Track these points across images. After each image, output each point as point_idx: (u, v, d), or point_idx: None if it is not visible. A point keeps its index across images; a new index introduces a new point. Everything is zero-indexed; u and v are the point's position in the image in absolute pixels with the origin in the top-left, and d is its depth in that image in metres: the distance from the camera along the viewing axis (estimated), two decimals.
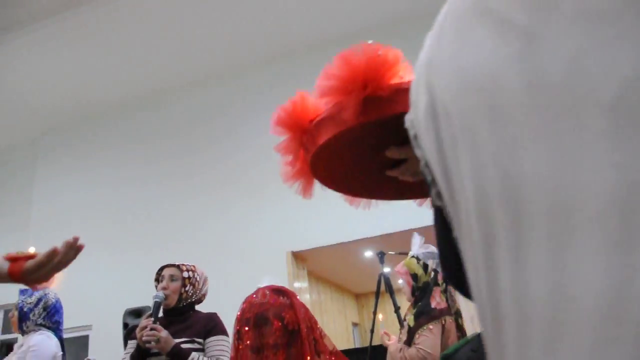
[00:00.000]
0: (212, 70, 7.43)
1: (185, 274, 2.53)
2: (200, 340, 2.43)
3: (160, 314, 2.55)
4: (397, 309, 5.15)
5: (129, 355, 2.43)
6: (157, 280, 2.57)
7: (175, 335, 2.39)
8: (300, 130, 1.11)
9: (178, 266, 2.56)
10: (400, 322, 5.08)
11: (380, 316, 2.76)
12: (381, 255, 5.24)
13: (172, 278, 2.51)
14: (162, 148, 7.44)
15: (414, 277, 2.66)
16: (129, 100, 7.89)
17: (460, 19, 0.54)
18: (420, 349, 2.37)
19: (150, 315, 2.38)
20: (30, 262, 1.12)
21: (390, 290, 5.16)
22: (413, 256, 2.74)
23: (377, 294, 5.27)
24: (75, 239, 1.17)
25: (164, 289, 2.48)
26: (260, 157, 6.94)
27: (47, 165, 8.38)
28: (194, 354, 2.32)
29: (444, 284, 2.55)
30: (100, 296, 6.66)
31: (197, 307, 2.65)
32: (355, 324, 10.80)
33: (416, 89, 0.60)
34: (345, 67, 0.99)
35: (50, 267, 1.13)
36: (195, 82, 7.54)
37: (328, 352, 1.54)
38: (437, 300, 2.54)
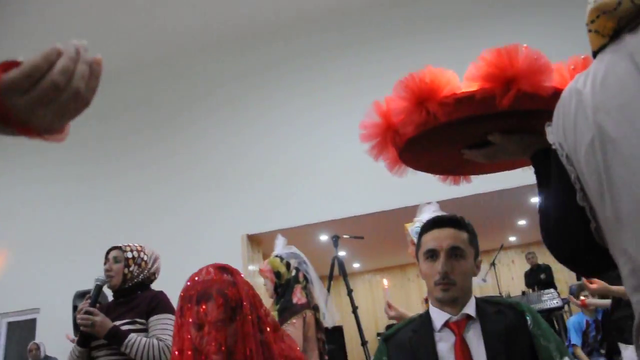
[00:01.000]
0: (160, 55, 7.29)
1: (129, 254, 2.52)
2: (143, 320, 2.42)
3: (111, 298, 2.56)
4: (349, 292, 5.22)
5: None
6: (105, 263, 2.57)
7: (119, 317, 2.39)
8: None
9: (120, 247, 2.54)
10: (353, 304, 5.16)
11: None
12: (335, 239, 5.29)
13: (115, 260, 2.50)
14: (120, 129, 7.30)
15: (277, 274, 2.85)
16: None
17: (613, 75, 0.83)
18: None
19: (90, 298, 2.37)
20: (12, 72, 0.60)
21: (344, 273, 5.22)
22: (277, 255, 2.91)
23: (330, 276, 5.32)
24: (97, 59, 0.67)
25: (107, 271, 2.48)
26: (217, 141, 6.90)
27: None
28: (131, 335, 2.32)
29: (304, 281, 2.74)
30: (49, 279, 6.52)
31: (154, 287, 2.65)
32: None
33: (573, 121, 0.87)
34: (506, 60, 1.19)
35: (49, 86, 0.60)
36: (148, 65, 7.39)
37: (272, 330, 1.55)
38: (297, 296, 2.78)
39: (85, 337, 2.35)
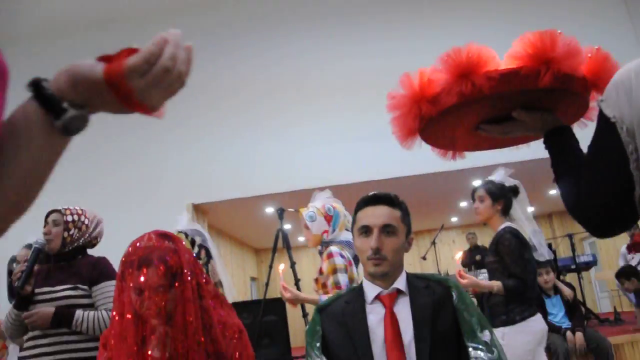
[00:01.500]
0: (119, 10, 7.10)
1: (69, 218, 2.47)
2: (85, 287, 2.39)
3: (51, 262, 2.49)
4: (292, 264, 5.31)
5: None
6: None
7: (60, 282, 2.36)
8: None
9: (60, 210, 2.49)
10: (296, 276, 5.26)
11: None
12: (280, 212, 5.34)
13: (54, 223, 2.44)
14: None
15: None
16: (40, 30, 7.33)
17: None
18: None
19: (27, 261, 2.32)
20: (133, 57, 0.68)
21: (288, 246, 5.30)
22: (181, 232, 2.98)
23: (274, 249, 5.39)
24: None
25: (46, 234, 2.42)
26: (168, 105, 6.79)
27: None
28: (77, 313, 2.28)
29: (206, 258, 2.88)
30: None
31: (92, 252, 2.61)
32: (253, 278, 10.96)
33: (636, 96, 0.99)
34: (548, 42, 1.30)
35: (162, 69, 0.69)
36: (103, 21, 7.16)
37: (211, 297, 1.60)
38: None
39: (22, 300, 2.31)
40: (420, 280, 1.66)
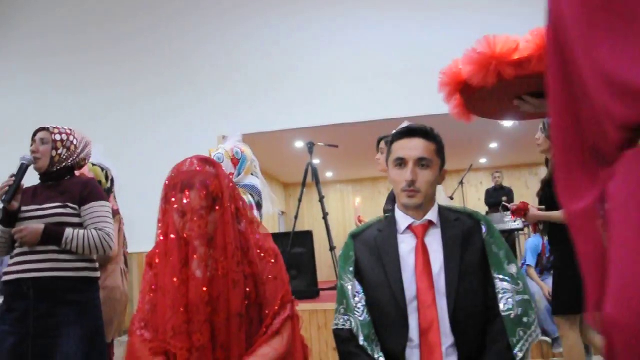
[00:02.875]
0: None
1: (57, 137, 2.40)
2: (75, 206, 2.34)
3: (39, 182, 2.46)
4: (321, 198, 5.40)
5: None
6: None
7: (49, 200, 2.33)
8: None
9: (48, 128, 2.42)
10: (324, 210, 5.35)
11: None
12: (310, 146, 5.39)
13: (42, 141, 2.39)
14: (98, 19, 7.09)
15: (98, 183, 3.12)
16: None
17: None
18: None
19: (13, 176, 2.27)
20: None
21: (317, 180, 5.37)
22: (96, 164, 3.10)
23: (303, 183, 5.48)
24: None
25: (33, 152, 2.37)
26: (197, 41, 6.77)
27: None
28: (67, 231, 2.25)
29: (109, 186, 3.06)
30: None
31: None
32: (282, 212, 11.16)
33: None
34: None
35: None
36: None
37: (248, 220, 1.67)
38: (113, 203, 2.98)
39: (9, 216, 2.27)
40: (451, 213, 1.70)
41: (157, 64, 6.73)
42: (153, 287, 1.59)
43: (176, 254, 1.50)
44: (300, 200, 5.49)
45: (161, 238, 1.55)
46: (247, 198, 3.01)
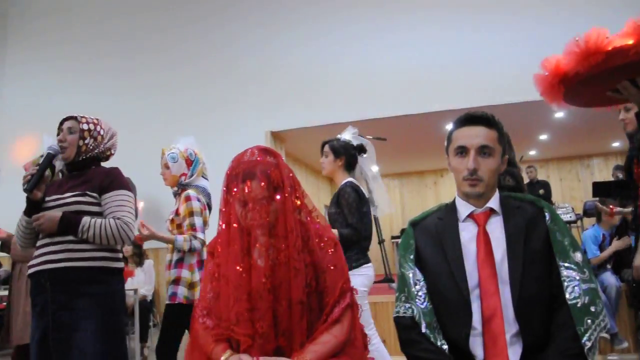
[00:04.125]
0: None
1: (85, 126, 2.38)
2: (95, 194, 2.30)
3: (61, 169, 2.45)
4: (369, 192, 5.38)
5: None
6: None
7: (70, 189, 2.29)
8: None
9: (76, 117, 2.40)
10: (373, 204, 5.33)
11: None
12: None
13: (70, 130, 2.36)
14: (142, 22, 7.24)
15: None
16: None
17: None
18: None
19: (38, 165, 2.23)
20: None
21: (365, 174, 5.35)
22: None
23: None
24: None
25: (61, 141, 2.35)
26: (242, 35, 6.84)
27: (19, 42, 8.09)
28: (84, 220, 2.20)
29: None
30: None
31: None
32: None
33: None
34: None
35: None
36: None
37: (308, 211, 1.68)
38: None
39: (32, 206, 2.23)
40: (513, 201, 1.67)
41: (199, 58, 6.84)
42: (216, 275, 1.62)
43: (238, 243, 1.53)
44: None
45: (223, 227, 1.58)
46: (202, 199, 3.14)
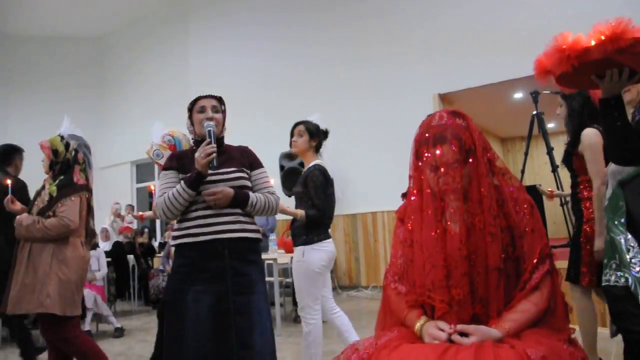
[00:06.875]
0: None
1: (223, 107, 2.52)
2: (248, 170, 2.45)
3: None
4: (549, 150, 5.05)
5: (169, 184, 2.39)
6: (190, 110, 2.51)
7: (224, 164, 2.38)
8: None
9: (219, 98, 2.50)
10: (553, 163, 5.01)
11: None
12: (535, 95, 5.05)
13: (214, 109, 2.47)
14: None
15: (55, 152, 3.03)
16: None
17: None
18: (64, 217, 2.84)
19: (210, 143, 2.30)
20: None
21: (544, 132, 5.03)
22: (59, 134, 3.07)
23: (530, 135, 5.16)
24: None
25: (210, 119, 2.42)
26: (406, 2, 6.73)
27: (199, 21, 8.72)
28: (252, 196, 2.35)
29: (84, 164, 3.01)
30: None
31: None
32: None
33: None
34: None
35: None
36: None
37: (501, 173, 1.60)
38: (77, 177, 3.01)
39: (199, 180, 2.30)
40: None
41: (366, 27, 6.87)
42: (408, 241, 1.61)
43: (432, 208, 1.50)
44: (526, 153, 5.19)
45: (415, 192, 1.56)
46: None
